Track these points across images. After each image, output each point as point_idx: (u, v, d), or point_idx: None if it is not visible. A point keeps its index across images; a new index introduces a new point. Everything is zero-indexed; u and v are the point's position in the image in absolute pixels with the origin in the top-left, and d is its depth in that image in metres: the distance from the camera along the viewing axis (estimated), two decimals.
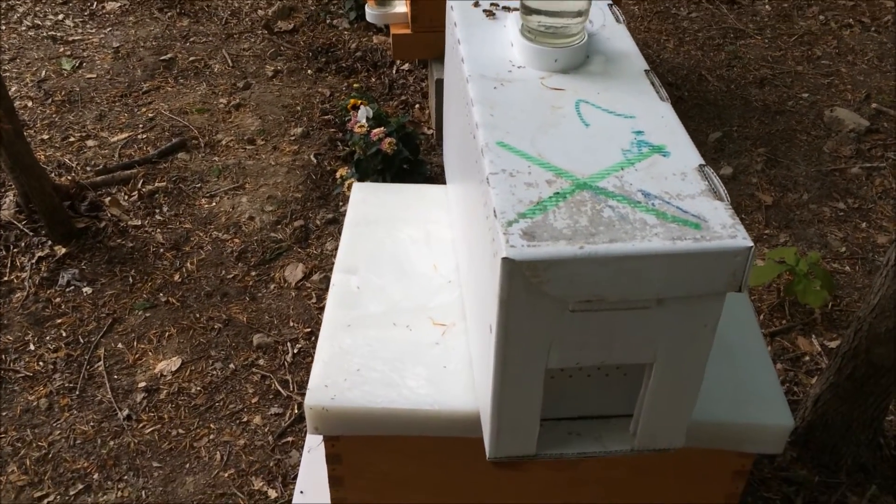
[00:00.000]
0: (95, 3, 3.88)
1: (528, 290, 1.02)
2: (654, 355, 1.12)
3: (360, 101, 2.86)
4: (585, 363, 1.13)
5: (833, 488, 1.90)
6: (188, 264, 2.46)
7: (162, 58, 3.46)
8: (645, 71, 1.36)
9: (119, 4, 3.87)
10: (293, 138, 3.00)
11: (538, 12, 1.33)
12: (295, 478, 1.90)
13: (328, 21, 3.76)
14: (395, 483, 1.46)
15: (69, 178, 2.74)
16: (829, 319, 2.34)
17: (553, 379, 1.24)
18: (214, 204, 2.69)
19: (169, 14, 3.80)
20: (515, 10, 1.46)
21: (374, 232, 1.69)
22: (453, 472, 1.43)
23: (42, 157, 2.86)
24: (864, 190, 2.82)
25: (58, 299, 2.34)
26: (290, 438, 2.00)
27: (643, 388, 1.18)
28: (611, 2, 1.57)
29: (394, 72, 3.38)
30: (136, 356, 2.19)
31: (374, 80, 3.34)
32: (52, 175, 2.72)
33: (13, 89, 3.24)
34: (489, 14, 1.50)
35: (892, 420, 2.05)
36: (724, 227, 1.04)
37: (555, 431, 1.28)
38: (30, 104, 3.16)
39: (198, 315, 2.30)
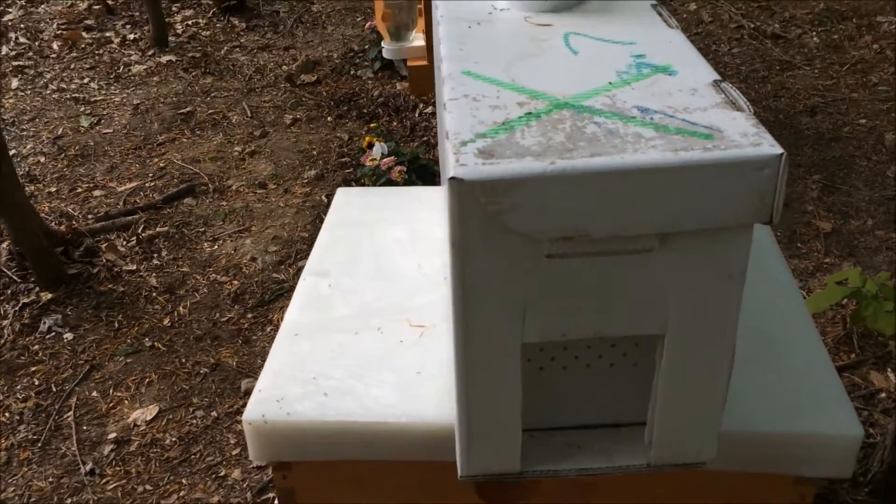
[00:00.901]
0: (122, 66, 3.85)
1: (487, 224, 0.77)
2: (665, 322, 0.85)
3: (376, 139, 2.69)
4: (575, 334, 0.86)
5: None
6: (180, 308, 2.25)
7: (180, 111, 3.37)
8: (652, 5, 1.13)
9: (145, 67, 3.83)
10: (306, 181, 2.82)
11: None
12: None
13: (352, 72, 3.64)
14: None
15: (68, 225, 2.59)
16: None
17: (542, 372, 0.97)
18: (216, 247, 2.51)
19: (193, 73, 3.74)
20: None
21: (353, 234, 1.46)
22: None
23: (46, 207, 2.74)
24: None
25: (36, 346, 2.14)
26: (270, 495, 1.73)
27: (655, 374, 0.90)
28: None
29: (416, 115, 3.21)
30: (110, 405, 1.96)
31: (395, 123, 3.18)
32: (52, 223, 2.57)
33: (28, 146, 3.16)
34: None
35: None
36: (744, 136, 0.78)
37: (549, 444, 1.00)
38: (42, 159, 3.07)
39: (183, 360, 2.08)
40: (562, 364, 0.97)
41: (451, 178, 0.75)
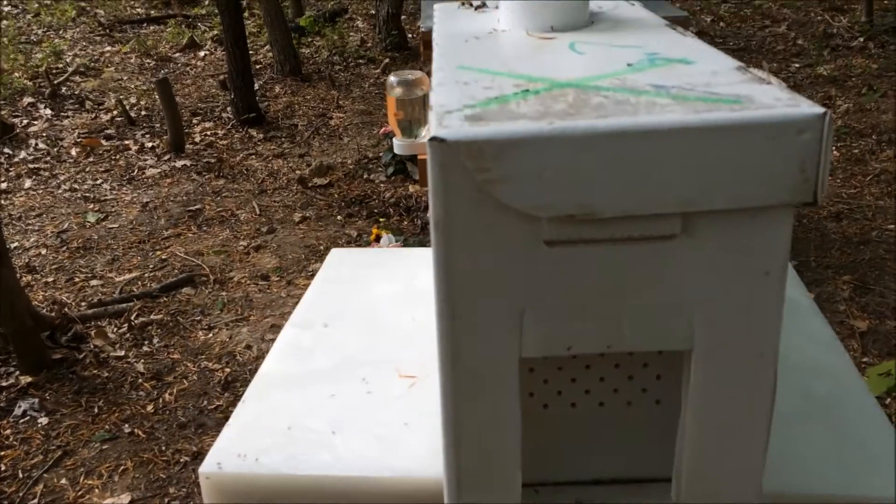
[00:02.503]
0: (137, 169, 3.85)
1: (475, 199, 0.65)
2: (691, 335, 0.70)
3: (383, 231, 2.60)
4: (582, 347, 0.72)
5: None
6: (166, 394, 2.10)
7: (189, 209, 3.32)
8: (666, 25, 1.04)
9: (159, 170, 3.83)
10: (311, 273, 2.72)
11: None
12: None
13: (365, 177, 3.61)
14: None
15: (59, 310, 2.48)
16: None
17: (547, 410, 0.82)
18: (211, 335, 2.38)
19: (206, 176, 3.72)
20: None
21: (343, 289, 1.34)
22: None
23: (41, 296, 2.64)
24: None
25: (7, 431, 1.99)
26: None
27: (682, 407, 0.75)
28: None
29: (427, 215, 3.13)
30: (79, 493, 1.78)
31: (405, 222, 3.10)
32: (44, 310, 2.47)
33: (32, 239, 3.10)
34: (480, 7, 1.24)
35: None
36: (777, 100, 0.66)
37: (556, 500, 0.83)
38: (43, 251, 3.00)
39: (163, 447, 1.91)
40: (570, 400, 0.82)
41: (432, 139, 0.64)
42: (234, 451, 0.96)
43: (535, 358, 0.72)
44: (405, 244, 2.53)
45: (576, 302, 0.69)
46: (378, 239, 2.59)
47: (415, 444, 0.95)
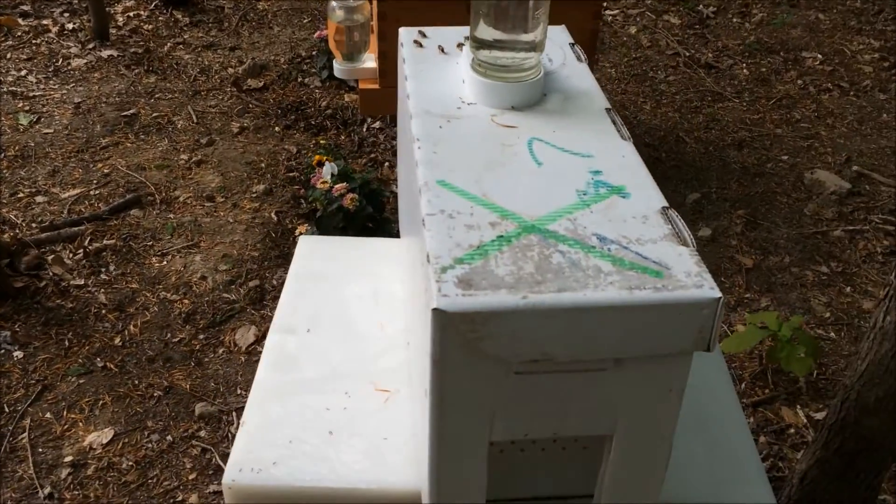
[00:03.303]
0: (61, 59, 3.79)
1: (465, 347, 0.87)
2: (614, 426, 0.97)
3: (325, 158, 2.75)
4: (535, 435, 0.98)
5: None
6: (131, 326, 2.30)
7: (124, 113, 3.36)
8: (606, 109, 1.24)
9: (85, 61, 3.78)
10: (255, 195, 2.87)
11: (489, 45, 1.21)
12: None
13: (299, 80, 3.68)
14: None
15: (12, 234, 2.59)
16: (815, 389, 2.20)
17: (502, 453, 1.09)
18: (165, 263, 2.54)
19: (136, 71, 3.71)
20: (461, 45, 1.35)
21: (318, 288, 1.54)
22: None
23: None
24: (847, 254, 2.70)
25: None
26: None
27: (603, 464, 1.02)
28: (572, 41, 1.46)
29: (364, 129, 3.28)
30: (65, 427, 2.00)
31: (343, 137, 3.24)
32: None
33: None
34: (441, 50, 1.39)
35: (885, 500, 1.89)
36: (688, 276, 0.90)
37: None
38: None
39: (136, 381, 2.13)
40: (520, 447, 1.08)
41: (435, 310, 0.85)
42: (247, 464, 1.20)
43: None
44: (346, 171, 2.69)
45: (533, 407, 0.94)
46: (321, 164, 2.73)
47: (393, 457, 1.21)
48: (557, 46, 1.41)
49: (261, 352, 2.20)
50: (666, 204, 1.02)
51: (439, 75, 1.32)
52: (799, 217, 2.86)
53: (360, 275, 1.57)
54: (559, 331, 0.87)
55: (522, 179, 1.07)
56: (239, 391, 2.12)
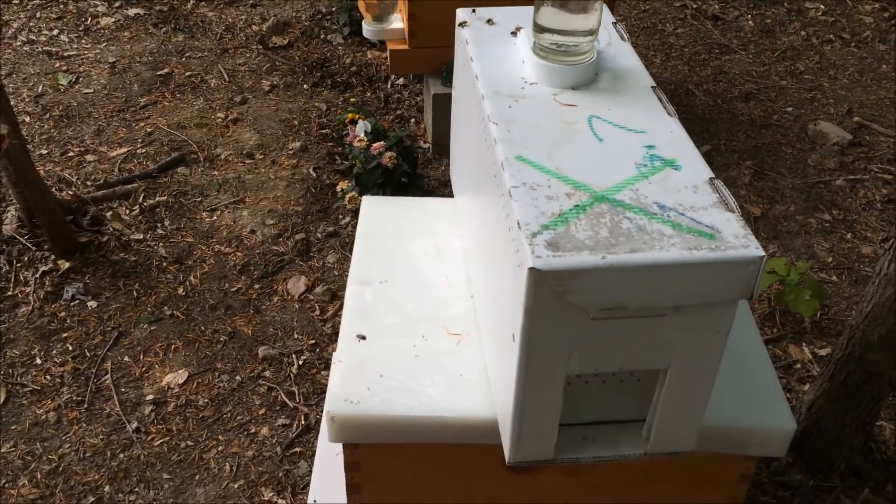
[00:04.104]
0: (90, 18, 3.90)
1: (553, 299, 1.07)
2: (669, 361, 1.17)
3: (357, 116, 2.91)
4: (604, 369, 1.18)
5: (827, 492, 1.96)
6: (191, 278, 2.49)
7: (158, 72, 3.50)
8: (652, 87, 1.42)
9: (114, 20, 3.90)
10: (291, 152, 3.04)
11: (550, 31, 1.38)
12: (304, 488, 1.93)
13: (322, 36, 3.81)
14: (412, 489, 1.50)
15: (70, 192, 2.76)
16: (819, 328, 2.41)
17: (570, 385, 1.29)
18: (215, 218, 2.73)
19: (164, 29, 3.83)
20: (519, 29, 1.52)
21: (385, 244, 1.73)
22: (469, 477, 1.47)
23: (42, 171, 2.87)
24: (848, 202, 2.90)
25: (63, 313, 2.35)
26: (297, 449, 2.03)
27: (657, 392, 1.23)
28: (615, 20, 1.63)
29: (388, 86, 3.43)
30: (143, 369, 2.21)
31: (369, 94, 3.39)
32: (53, 189, 2.74)
33: (11, 104, 3.25)
34: (514, 34, 1.55)
35: (882, 426, 2.12)
36: (736, 238, 1.09)
37: (570, 436, 1.32)
38: (28, 119, 3.18)
39: (203, 328, 2.33)
40: (584, 380, 1.29)
41: (531, 269, 1.05)
42: (345, 396, 1.40)
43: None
44: (378, 129, 2.86)
45: (604, 347, 1.14)
46: (354, 123, 2.90)
47: (469, 391, 1.41)
48: (602, 26, 1.58)
49: (312, 300, 2.41)
50: (712, 175, 1.21)
51: (500, 57, 1.49)
52: (803, 167, 3.05)
53: (421, 232, 1.76)
54: (631, 284, 1.07)
55: (588, 154, 1.26)
56: (296, 335, 2.32)
